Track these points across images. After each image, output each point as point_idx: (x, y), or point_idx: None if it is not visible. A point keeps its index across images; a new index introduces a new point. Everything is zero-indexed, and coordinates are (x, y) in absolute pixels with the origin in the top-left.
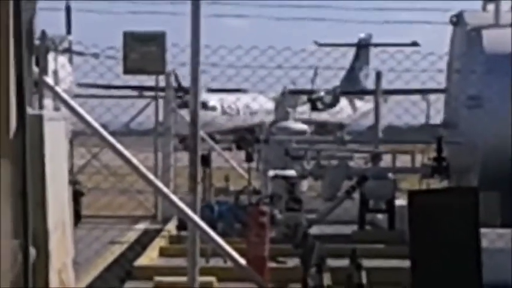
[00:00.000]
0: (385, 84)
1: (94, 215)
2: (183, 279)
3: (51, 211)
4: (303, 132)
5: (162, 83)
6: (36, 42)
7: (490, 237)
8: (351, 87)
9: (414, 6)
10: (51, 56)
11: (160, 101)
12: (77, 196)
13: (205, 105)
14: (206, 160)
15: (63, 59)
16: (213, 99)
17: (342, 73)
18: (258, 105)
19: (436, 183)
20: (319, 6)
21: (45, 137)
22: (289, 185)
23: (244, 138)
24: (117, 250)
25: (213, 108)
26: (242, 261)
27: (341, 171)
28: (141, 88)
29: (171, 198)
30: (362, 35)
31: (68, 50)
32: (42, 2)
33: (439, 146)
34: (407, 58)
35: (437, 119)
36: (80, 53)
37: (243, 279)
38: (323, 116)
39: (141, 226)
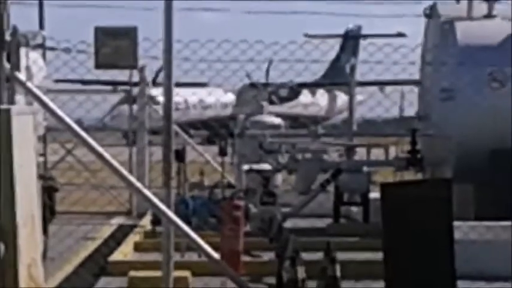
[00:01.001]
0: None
1: (68, 210)
2: (158, 273)
3: (19, 205)
4: (277, 127)
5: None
6: (8, 38)
7: (463, 229)
8: (334, 79)
9: None
10: (23, 52)
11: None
12: (51, 192)
13: (152, 100)
14: (180, 155)
15: (35, 55)
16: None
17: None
18: (213, 99)
19: (410, 176)
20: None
21: (13, 131)
22: (263, 179)
23: (218, 132)
24: (91, 245)
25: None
26: (216, 255)
27: (315, 164)
28: (115, 83)
29: (144, 193)
30: (350, 26)
31: (41, 46)
32: None
33: (413, 139)
34: (379, 50)
35: (411, 111)
36: (51, 48)
37: (217, 274)
38: (297, 110)
39: (116, 221)
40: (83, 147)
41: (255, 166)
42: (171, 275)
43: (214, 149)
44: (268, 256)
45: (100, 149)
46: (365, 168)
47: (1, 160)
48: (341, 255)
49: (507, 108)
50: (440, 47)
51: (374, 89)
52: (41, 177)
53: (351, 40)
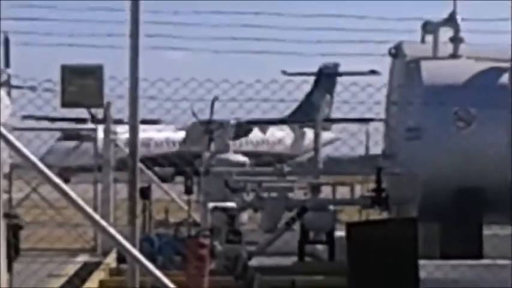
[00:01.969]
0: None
1: (32, 247)
2: None
3: None
4: (242, 164)
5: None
6: None
7: (429, 268)
8: (305, 116)
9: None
10: None
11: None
12: (15, 230)
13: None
14: (146, 193)
15: (1, 92)
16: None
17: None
18: (163, 136)
19: (375, 215)
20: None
21: None
22: (229, 217)
23: (183, 170)
24: (56, 283)
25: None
26: None
27: (281, 202)
28: (80, 120)
29: (108, 231)
30: (324, 64)
31: (6, 83)
32: None
33: (378, 177)
34: (345, 90)
35: (376, 150)
36: (17, 87)
37: None
38: (263, 147)
39: (81, 259)
40: (48, 185)
41: (221, 204)
42: None
43: (180, 187)
44: None
45: (65, 187)
46: (331, 207)
47: None
48: None
49: (473, 148)
50: (406, 86)
51: (351, 126)
52: (5, 215)
53: (325, 77)
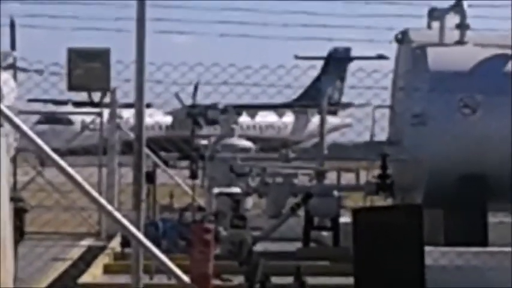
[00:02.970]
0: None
1: (37, 231)
2: None
3: None
4: (248, 150)
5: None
6: None
7: (434, 255)
8: (311, 101)
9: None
10: None
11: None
12: (20, 213)
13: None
14: (151, 177)
15: (6, 75)
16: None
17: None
18: (152, 120)
19: (380, 201)
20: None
21: None
22: (233, 202)
23: (189, 155)
24: (60, 267)
25: (70, 122)
26: (186, 278)
27: (285, 188)
28: (86, 104)
29: (114, 215)
30: (335, 48)
31: (12, 66)
32: None
33: (383, 164)
34: (352, 75)
35: (382, 136)
36: (23, 69)
37: None
38: (268, 132)
39: (85, 243)
40: (53, 168)
41: (226, 189)
42: None
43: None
44: (238, 280)
45: (71, 171)
46: (335, 193)
47: None
48: (311, 280)
49: (478, 134)
50: (412, 73)
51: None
52: (11, 199)
53: (335, 62)
